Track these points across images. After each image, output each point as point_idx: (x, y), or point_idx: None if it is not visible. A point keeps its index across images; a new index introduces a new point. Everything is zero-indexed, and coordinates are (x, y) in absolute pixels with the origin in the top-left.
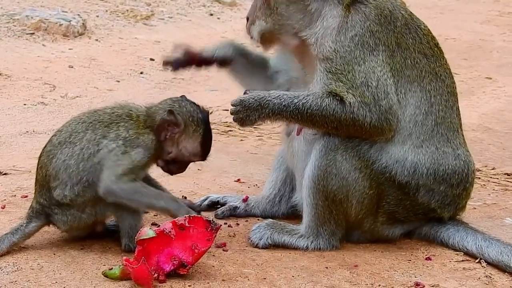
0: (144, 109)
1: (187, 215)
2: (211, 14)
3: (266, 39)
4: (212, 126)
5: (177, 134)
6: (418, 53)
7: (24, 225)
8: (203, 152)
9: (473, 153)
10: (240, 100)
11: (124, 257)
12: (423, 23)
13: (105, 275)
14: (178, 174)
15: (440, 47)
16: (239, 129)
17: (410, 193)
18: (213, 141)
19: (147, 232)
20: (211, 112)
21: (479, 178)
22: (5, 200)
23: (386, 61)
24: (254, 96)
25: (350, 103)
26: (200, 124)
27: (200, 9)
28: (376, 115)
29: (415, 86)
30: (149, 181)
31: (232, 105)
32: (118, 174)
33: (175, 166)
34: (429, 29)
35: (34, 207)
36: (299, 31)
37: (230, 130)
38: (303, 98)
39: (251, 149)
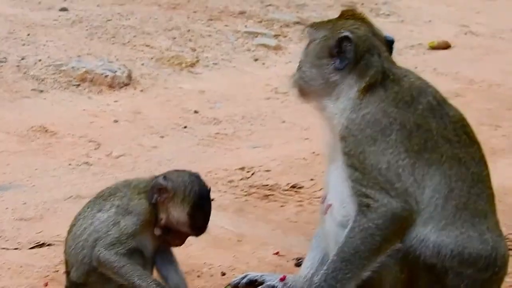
0: (148, 179)
1: None
2: (256, 60)
3: (299, 91)
4: (252, 190)
5: (166, 200)
6: (440, 137)
7: None
8: (192, 225)
9: None
10: None
11: None
12: (456, 110)
13: None
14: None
15: (471, 136)
16: (280, 193)
17: (439, 277)
18: (253, 208)
19: None
20: (253, 173)
21: None
22: (48, 275)
23: (400, 141)
24: None
25: (378, 202)
26: (191, 195)
27: (245, 54)
28: (397, 198)
29: (434, 169)
30: (164, 252)
31: None
32: (106, 244)
33: (170, 236)
34: (460, 117)
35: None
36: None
37: (271, 195)
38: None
39: (292, 217)
